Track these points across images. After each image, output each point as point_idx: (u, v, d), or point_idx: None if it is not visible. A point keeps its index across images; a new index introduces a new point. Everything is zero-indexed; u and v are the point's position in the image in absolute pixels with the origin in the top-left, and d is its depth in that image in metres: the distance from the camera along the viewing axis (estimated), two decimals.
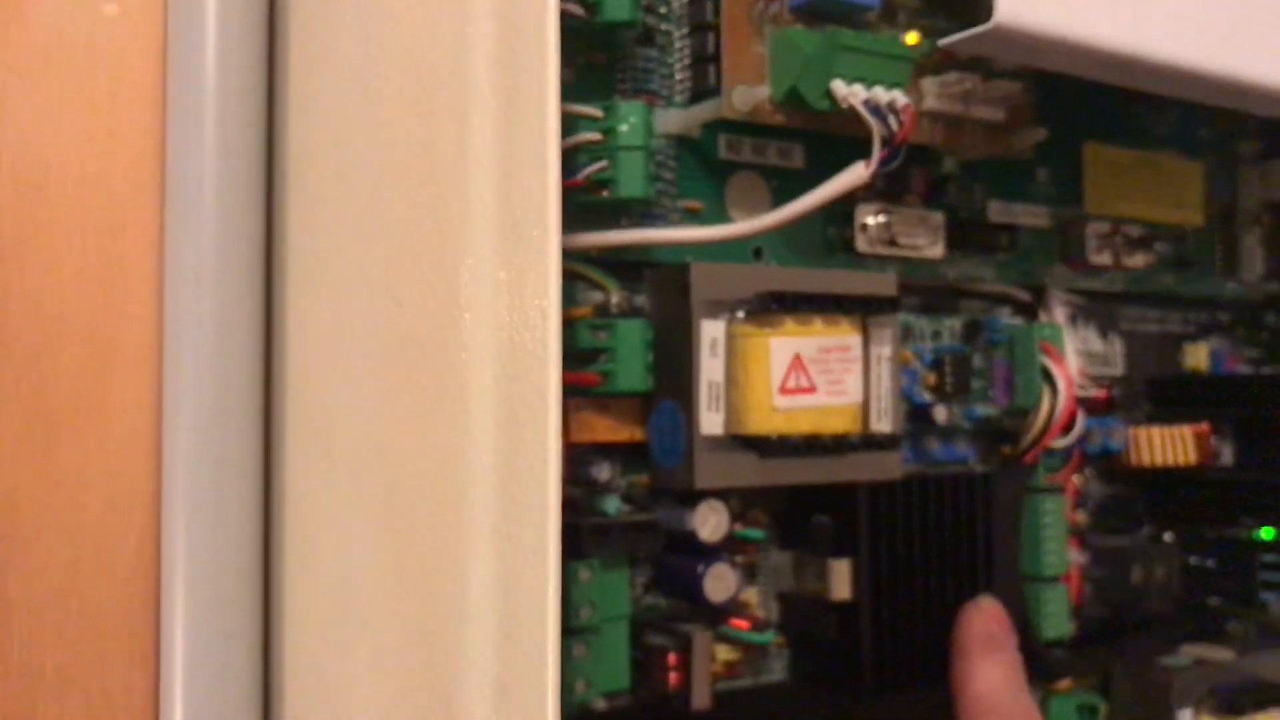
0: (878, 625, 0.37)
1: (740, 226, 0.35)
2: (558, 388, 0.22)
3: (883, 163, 0.34)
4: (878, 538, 0.37)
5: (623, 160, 0.33)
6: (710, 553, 0.35)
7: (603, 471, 0.35)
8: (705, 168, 0.37)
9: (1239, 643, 0.47)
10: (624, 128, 0.33)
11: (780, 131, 0.37)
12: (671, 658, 0.34)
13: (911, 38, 0.37)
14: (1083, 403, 0.43)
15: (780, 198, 0.37)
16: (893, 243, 0.40)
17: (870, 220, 0.40)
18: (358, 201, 0.29)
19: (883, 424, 0.36)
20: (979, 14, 0.32)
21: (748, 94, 0.35)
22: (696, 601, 0.35)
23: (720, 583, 0.35)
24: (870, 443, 0.36)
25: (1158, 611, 0.46)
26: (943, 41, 0.34)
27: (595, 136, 0.33)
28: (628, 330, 0.34)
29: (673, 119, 0.36)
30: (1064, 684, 0.44)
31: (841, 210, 0.39)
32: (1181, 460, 0.46)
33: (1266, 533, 0.48)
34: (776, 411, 0.34)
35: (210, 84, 0.32)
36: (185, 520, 0.32)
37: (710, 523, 0.35)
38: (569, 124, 0.33)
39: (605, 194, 0.33)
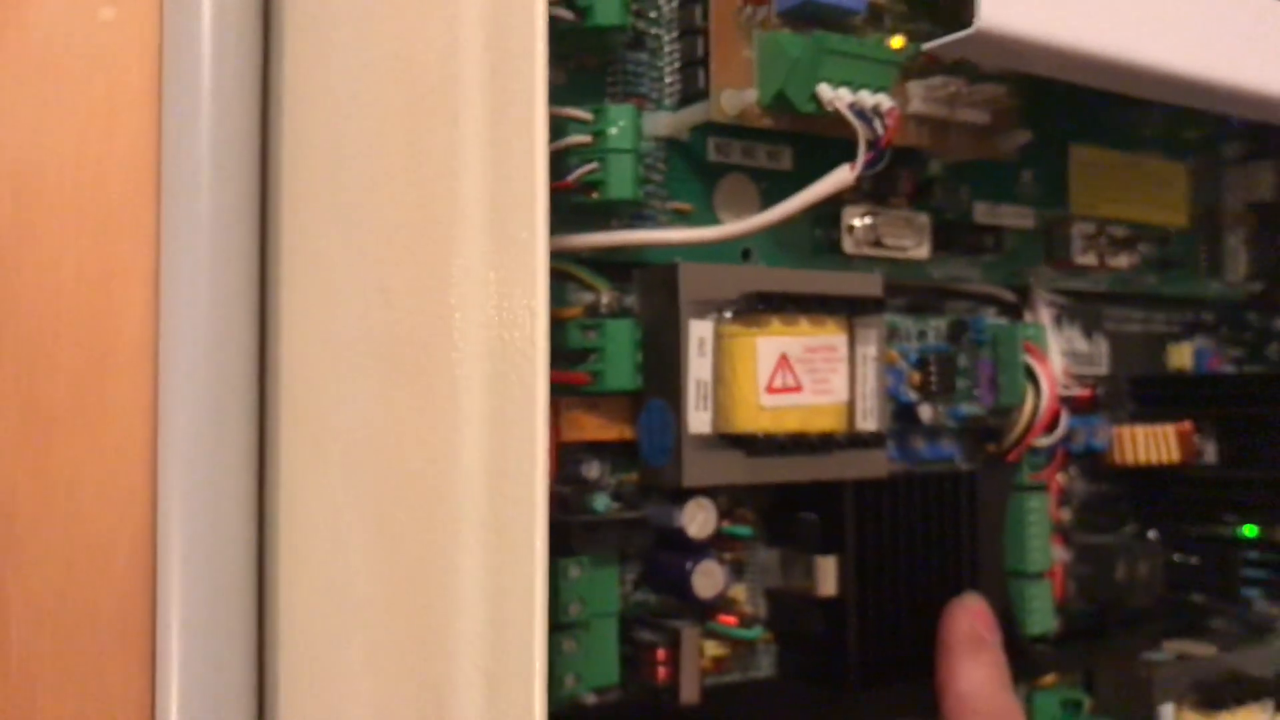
0: (863, 621, 0.38)
1: (728, 228, 0.36)
2: (546, 386, 0.23)
3: (868, 165, 0.34)
4: (863, 535, 0.38)
5: (612, 163, 0.33)
6: (698, 550, 0.36)
7: (593, 469, 0.36)
8: (695, 170, 0.38)
9: (1221, 638, 0.47)
10: (613, 131, 0.33)
11: (769, 134, 0.38)
12: (660, 653, 0.35)
13: (897, 42, 0.38)
14: (1066, 402, 0.44)
15: (769, 199, 0.38)
16: (879, 244, 0.41)
17: (857, 222, 0.40)
18: (350, 203, 0.30)
19: (868, 423, 0.37)
20: (963, 19, 0.32)
21: (736, 97, 0.36)
22: (685, 598, 0.35)
23: (708, 579, 0.35)
24: (856, 441, 0.36)
25: (1141, 608, 0.47)
26: (926, 46, 0.34)
27: (585, 139, 0.33)
28: (617, 330, 0.34)
29: (662, 122, 0.37)
30: (1048, 679, 0.44)
31: (829, 212, 0.40)
32: (1165, 458, 0.47)
33: (1249, 530, 0.49)
34: (763, 410, 0.34)
35: (205, 87, 0.32)
36: (181, 518, 0.32)
37: (698, 520, 0.35)
38: (560, 127, 0.34)
39: (595, 196, 0.33)
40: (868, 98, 0.35)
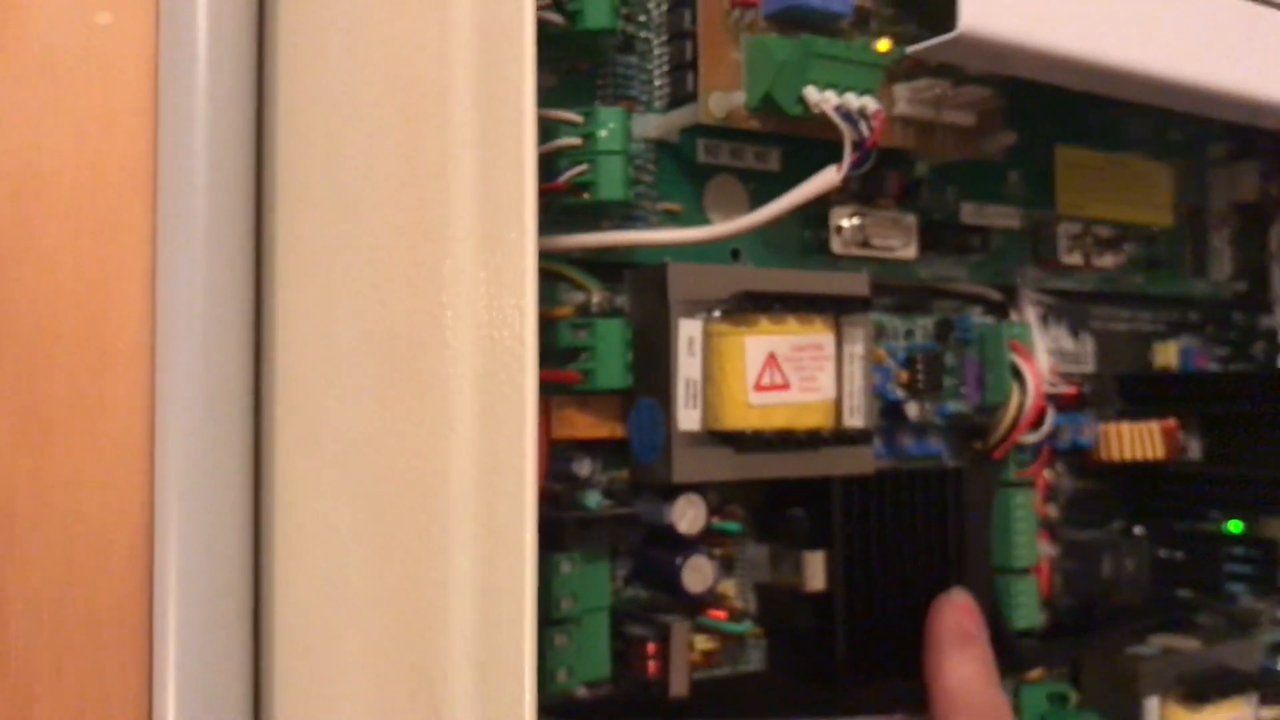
0: (851, 616, 0.38)
1: (717, 229, 0.36)
2: (535, 383, 0.23)
3: (854, 167, 0.34)
4: (851, 530, 0.38)
5: (602, 164, 0.34)
6: (688, 545, 0.36)
7: (584, 467, 0.36)
8: (684, 171, 0.38)
9: (1206, 633, 0.48)
10: (603, 133, 0.34)
11: (757, 136, 0.38)
12: (651, 647, 0.35)
13: (883, 45, 0.38)
14: (1053, 399, 0.44)
15: (758, 200, 0.38)
16: (867, 244, 0.41)
17: (845, 222, 0.41)
18: (344, 204, 0.30)
19: (855, 420, 0.37)
20: (947, 22, 0.33)
21: (724, 100, 0.36)
22: (675, 593, 0.36)
23: (698, 574, 0.36)
24: (843, 438, 0.37)
25: (1128, 603, 0.47)
26: (910, 49, 0.35)
27: (576, 141, 0.34)
28: (608, 329, 0.34)
29: (652, 124, 0.37)
30: (1035, 673, 0.45)
31: (817, 213, 0.40)
32: (1149, 455, 0.47)
33: (1234, 526, 0.49)
34: (751, 408, 0.35)
35: (201, 91, 0.32)
36: (178, 515, 0.32)
37: (688, 516, 0.36)
38: (551, 129, 0.34)
39: (586, 197, 0.34)
40: (854, 100, 0.35)
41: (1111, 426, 0.48)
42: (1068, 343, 0.48)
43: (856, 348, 0.38)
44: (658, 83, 0.37)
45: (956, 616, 0.39)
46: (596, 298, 0.36)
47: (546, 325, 0.35)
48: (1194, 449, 0.50)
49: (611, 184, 0.34)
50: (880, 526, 0.39)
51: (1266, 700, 0.45)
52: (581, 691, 0.35)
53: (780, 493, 0.39)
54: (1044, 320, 0.47)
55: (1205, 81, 0.37)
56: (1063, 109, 0.47)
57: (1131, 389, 0.50)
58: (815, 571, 0.38)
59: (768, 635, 0.40)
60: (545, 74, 0.35)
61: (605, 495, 0.36)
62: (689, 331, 0.35)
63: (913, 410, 0.42)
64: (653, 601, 0.37)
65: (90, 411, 0.33)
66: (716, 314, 0.35)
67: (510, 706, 0.23)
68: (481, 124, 0.25)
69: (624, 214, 0.36)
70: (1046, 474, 0.46)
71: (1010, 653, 0.42)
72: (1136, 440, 0.47)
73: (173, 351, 0.32)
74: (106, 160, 0.33)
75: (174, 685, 0.32)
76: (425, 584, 0.25)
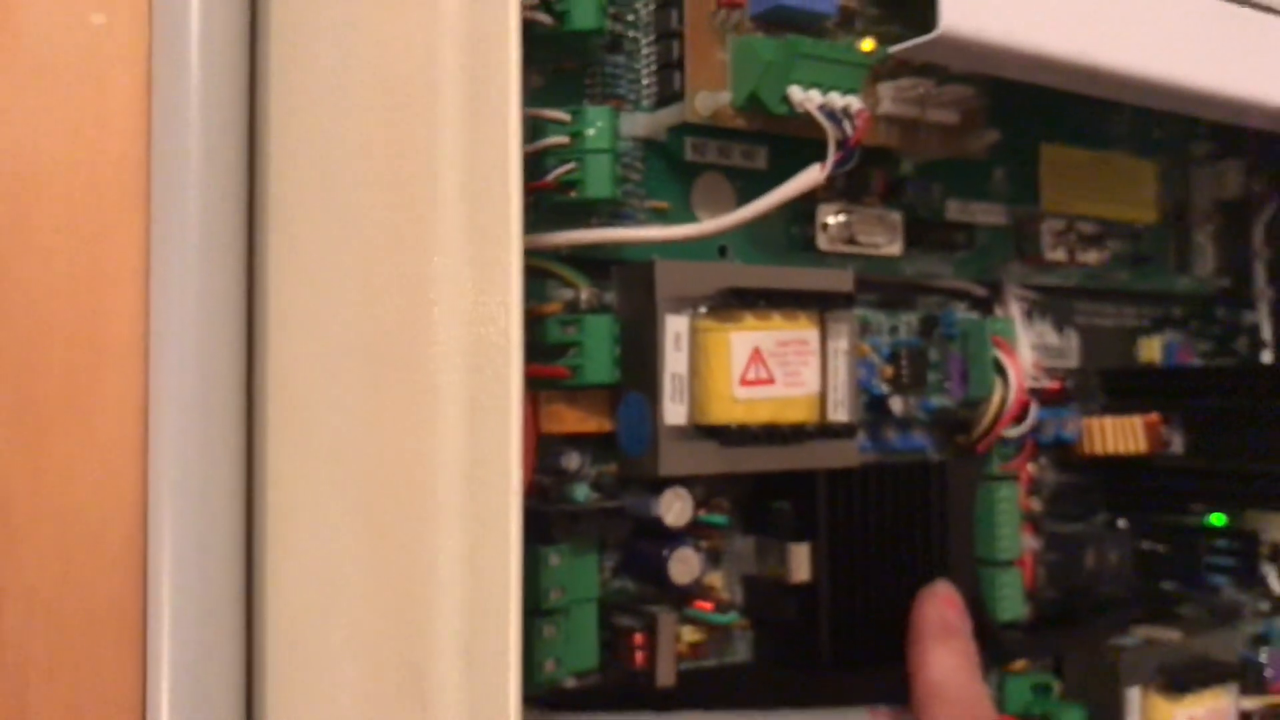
0: (835, 606, 0.39)
1: (705, 226, 0.36)
2: (520, 378, 0.24)
3: (837, 165, 0.35)
4: (836, 523, 0.39)
5: (590, 163, 0.34)
6: (675, 538, 0.36)
7: (572, 460, 0.36)
8: (672, 169, 0.38)
9: (1189, 625, 0.48)
10: (591, 131, 0.34)
11: (744, 134, 0.38)
12: (638, 638, 0.36)
13: (868, 44, 0.39)
14: (1036, 394, 0.45)
15: (745, 198, 0.38)
16: (853, 241, 0.42)
17: (831, 219, 0.41)
18: (335, 203, 0.30)
19: (840, 414, 0.38)
20: (930, 22, 0.34)
21: (710, 99, 0.37)
22: (662, 584, 0.36)
23: (684, 566, 0.36)
24: (828, 432, 0.37)
25: (1110, 595, 0.48)
26: (892, 50, 0.35)
27: (564, 140, 0.34)
28: (595, 325, 0.35)
29: (640, 122, 0.38)
30: (1019, 664, 0.45)
31: (803, 210, 0.41)
32: (1132, 449, 0.48)
33: (1216, 519, 0.50)
34: (737, 402, 0.35)
35: (194, 91, 0.33)
36: (172, 511, 0.33)
37: (675, 509, 0.36)
38: (539, 128, 0.35)
39: (574, 195, 0.34)
40: (837, 99, 0.36)
41: (1095, 421, 0.48)
42: (1052, 338, 0.49)
43: (841, 343, 0.38)
44: (645, 82, 0.38)
45: (939, 608, 0.40)
46: (585, 294, 0.36)
47: (535, 321, 0.35)
48: (1177, 443, 0.51)
49: (599, 182, 0.34)
50: (865, 519, 0.40)
51: (1247, 690, 0.46)
52: (570, 681, 0.36)
53: (766, 486, 0.39)
54: (1028, 316, 0.48)
55: (1186, 81, 0.38)
56: (1047, 107, 0.47)
57: (1115, 384, 0.51)
58: (800, 563, 0.38)
59: (754, 626, 0.40)
60: (533, 73, 0.36)
61: (593, 489, 0.37)
62: (675, 327, 0.35)
63: (897, 405, 0.42)
64: (640, 593, 0.38)
65: (85, 409, 0.33)
66: (702, 310, 0.36)
67: (495, 696, 0.24)
68: (469, 124, 0.25)
69: (612, 211, 0.37)
70: (1030, 468, 0.47)
71: (994, 644, 0.42)
72: (1119, 434, 0.48)
73: (166, 349, 0.33)
74: (101, 160, 0.34)
75: (168, 678, 0.32)
76: (413, 576, 0.26)
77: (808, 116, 0.35)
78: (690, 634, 0.38)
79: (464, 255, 0.25)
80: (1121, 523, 0.51)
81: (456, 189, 0.25)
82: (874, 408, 0.42)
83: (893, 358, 0.43)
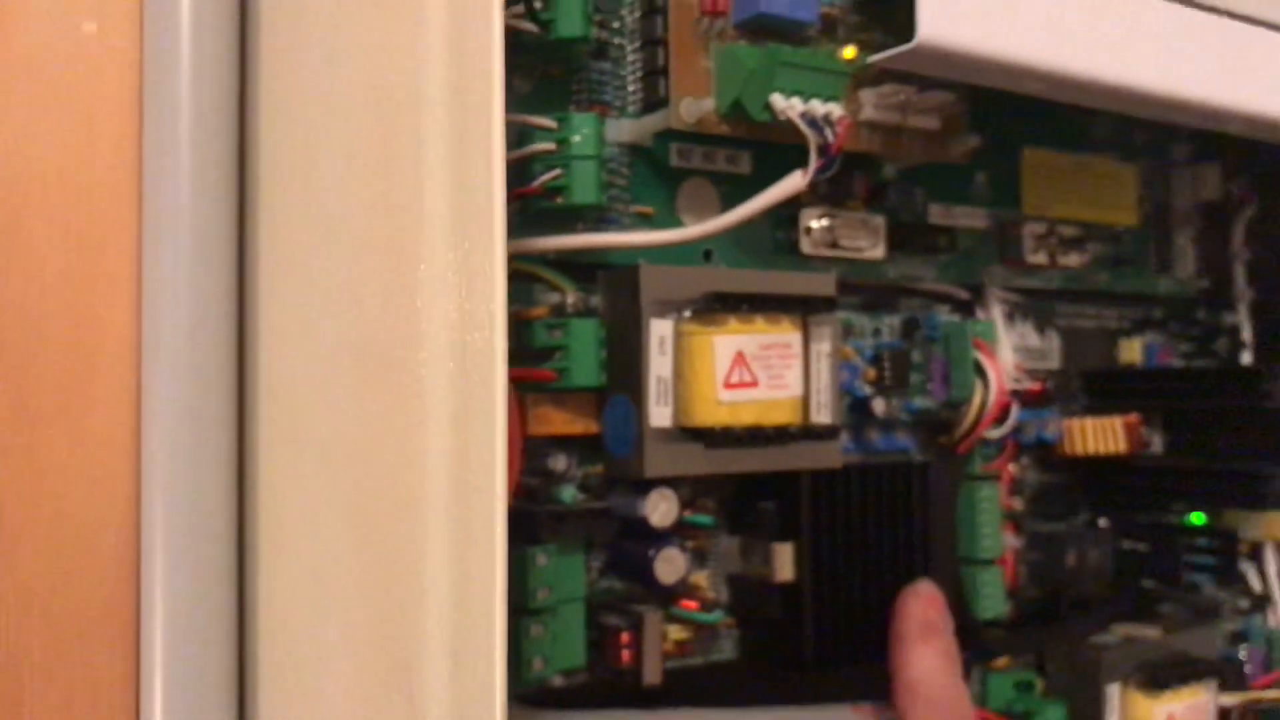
0: (819, 605, 0.39)
1: (689, 230, 0.37)
2: (504, 383, 0.24)
3: (819, 171, 0.36)
4: (819, 523, 0.39)
5: (575, 169, 0.35)
6: (661, 538, 0.37)
7: (559, 462, 0.37)
8: (657, 174, 0.39)
9: (1169, 622, 0.49)
10: (577, 138, 0.35)
11: (729, 140, 0.39)
12: (624, 637, 0.36)
13: (849, 52, 0.39)
14: (1017, 395, 0.45)
15: (729, 203, 0.39)
16: (836, 245, 0.42)
17: (814, 224, 0.42)
18: (323, 209, 0.31)
19: (822, 416, 0.38)
20: (908, 32, 0.34)
21: (694, 106, 0.37)
22: (648, 584, 0.37)
23: (670, 566, 0.37)
24: (811, 433, 0.38)
25: (1091, 593, 0.48)
26: (871, 59, 0.36)
27: (550, 146, 0.35)
28: (582, 329, 0.35)
29: (625, 129, 0.38)
30: (1001, 662, 0.46)
31: (787, 214, 0.41)
32: (1112, 449, 0.48)
33: (1196, 518, 0.51)
34: (721, 405, 0.36)
35: (185, 97, 0.33)
36: (164, 512, 0.33)
37: (661, 509, 0.37)
38: (525, 134, 0.35)
39: (560, 200, 0.35)
40: (819, 107, 0.36)
41: (1075, 421, 0.49)
42: (1034, 340, 0.50)
43: (823, 346, 0.39)
44: (630, 89, 0.38)
45: (921, 608, 0.40)
46: (571, 298, 0.37)
47: (523, 325, 0.36)
48: (1157, 443, 0.51)
49: (585, 188, 0.35)
50: (848, 519, 0.40)
51: (1226, 687, 0.47)
52: (557, 680, 0.36)
53: (750, 486, 0.40)
54: (1010, 318, 0.48)
55: (1161, 89, 0.38)
56: (1028, 112, 0.47)
57: (1096, 385, 0.51)
58: (784, 563, 0.39)
59: (739, 625, 0.41)
60: (520, 80, 0.36)
61: (580, 490, 0.37)
62: (660, 331, 0.36)
63: (880, 406, 0.43)
64: (627, 592, 0.38)
65: (77, 411, 0.34)
66: (687, 314, 0.36)
67: (482, 693, 0.24)
68: (453, 133, 0.26)
69: (598, 216, 0.37)
70: (1012, 468, 0.47)
71: (977, 641, 0.43)
72: (1100, 435, 0.48)
73: (158, 352, 0.33)
74: (93, 165, 0.34)
75: (161, 677, 0.33)
76: (402, 576, 0.26)
77: (790, 123, 0.36)
78: (676, 633, 0.39)
79: (449, 263, 0.25)
80: (1102, 522, 0.51)
81: (442, 197, 0.26)
82: (857, 409, 0.43)
83: (875, 360, 0.43)
